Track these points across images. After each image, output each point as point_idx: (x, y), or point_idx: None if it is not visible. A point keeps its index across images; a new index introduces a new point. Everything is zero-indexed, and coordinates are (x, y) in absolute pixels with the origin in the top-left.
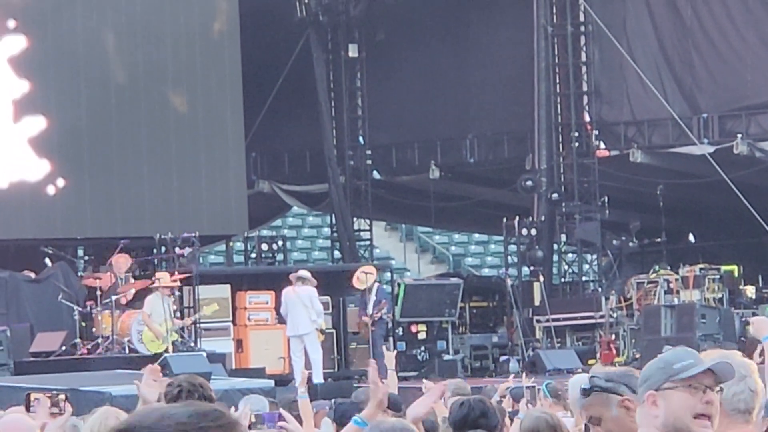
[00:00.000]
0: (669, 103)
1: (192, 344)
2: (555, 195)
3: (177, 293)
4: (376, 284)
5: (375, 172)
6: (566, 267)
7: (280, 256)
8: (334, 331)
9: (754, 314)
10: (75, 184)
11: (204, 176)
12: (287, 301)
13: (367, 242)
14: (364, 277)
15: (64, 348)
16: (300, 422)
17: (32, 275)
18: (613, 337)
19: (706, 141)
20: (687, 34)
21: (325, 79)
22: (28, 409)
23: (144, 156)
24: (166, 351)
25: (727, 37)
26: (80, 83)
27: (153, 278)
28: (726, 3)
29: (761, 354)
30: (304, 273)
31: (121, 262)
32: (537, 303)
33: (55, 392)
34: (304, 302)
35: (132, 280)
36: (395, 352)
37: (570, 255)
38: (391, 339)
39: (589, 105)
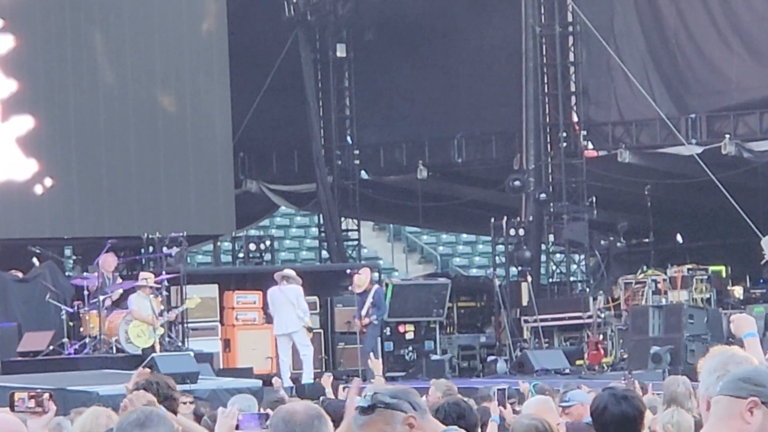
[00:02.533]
0: (657, 104)
1: (179, 344)
2: (543, 195)
3: (164, 293)
4: (375, 286)
5: (363, 172)
6: (554, 267)
7: (267, 256)
8: (321, 331)
9: None
10: (63, 184)
11: (192, 176)
12: (274, 300)
13: (355, 242)
14: (359, 279)
15: (51, 348)
16: None
17: (20, 275)
18: (601, 337)
19: (693, 141)
20: (672, 35)
21: (313, 79)
22: (12, 408)
23: (132, 156)
24: (153, 348)
25: (711, 38)
26: (68, 83)
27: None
28: (708, 3)
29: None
30: (289, 272)
31: (109, 261)
32: (525, 303)
33: (39, 390)
34: (291, 300)
35: (120, 280)
36: (381, 360)
37: (558, 255)
38: (378, 340)
39: (577, 105)
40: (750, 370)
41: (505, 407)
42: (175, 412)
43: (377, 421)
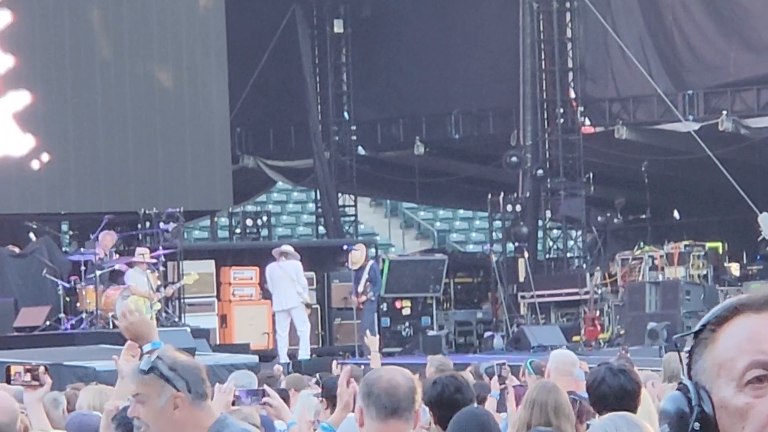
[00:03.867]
0: (654, 80)
1: (176, 320)
2: (540, 171)
3: (161, 268)
4: (371, 262)
5: (360, 148)
6: (551, 243)
7: (264, 232)
8: (318, 306)
9: (738, 291)
10: (60, 159)
11: (189, 151)
12: (272, 276)
13: (352, 218)
14: (354, 256)
15: (48, 323)
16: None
17: (16, 250)
18: (598, 313)
19: (691, 118)
20: (670, 11)
21: (310, 55)
22: (8, 381)
23: (129, 131)
24: None
25: (709, 14)
26: (65, 58)
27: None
28: None
29: None
30: (287, 247)
31: (107, 240)
32: (522, 279)
33: (35, 364)
34: (291, 276)
35: (116, 256)
36: (378, 337)
37: (555, 231)
38: (375, 315)
39: (574, 81)
40: None
41: (504, 382)
42: None
43: (150, 385)
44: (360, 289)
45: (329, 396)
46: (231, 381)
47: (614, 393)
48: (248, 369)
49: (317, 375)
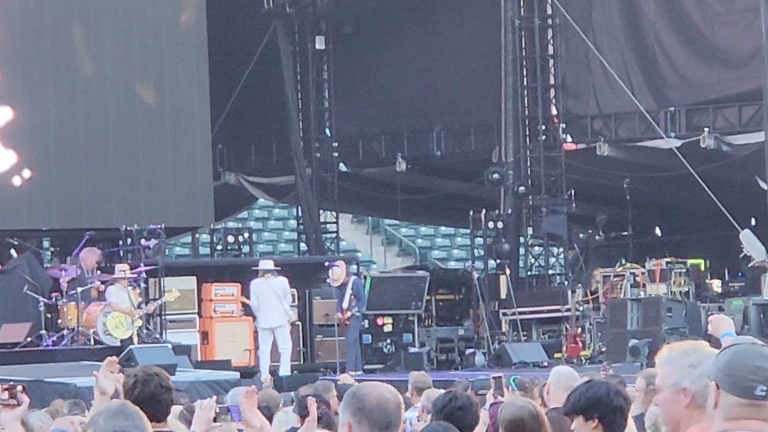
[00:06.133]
0: (636, 97)
1: (157, 336)
2: (522, 188)
3: (143, 285)
4: (353, 278)
5: (341, 165)
6: (533, 260)
7: (246, 248)
8: (300, 323)
9: (720, 308)
10: (41, 175)
11: (170, 168)
12: (258, 292)
13: (334, 235)
14: (334, 273)
15: (29, 339)
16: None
17: None
18: (579, 330)
19: (672, 135)
20: (651, 28)
21: (291, 71)
22: None
23: (110, 147)
24: (131, 339)
25: (690, 31)
26: (47, 74)
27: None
28: None
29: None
30: (269, 264)
31: (90, 258)
32: (503, 296)
33: (12, 383)
34: (278, 293)
35: (98, 273)
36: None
37: (536, 248)
38: (359, 331)
39: (556, 98)
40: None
41: (502, 395)
42: (172, 402)
43: None
44: (345, 305)
45: (303, 414)
46: (212, 398)
47: (615, 409)
48: (231, 385)
49: (297, 390)
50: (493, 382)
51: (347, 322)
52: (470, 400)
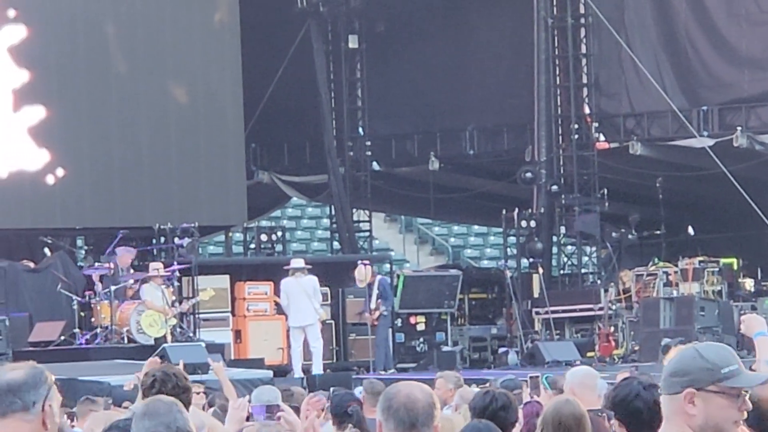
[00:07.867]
0: (668, 96)
1: (191, 334)
2: (554, 187)
3: (176, 284)
4: (378, 277)
5: (374, 163)
6: (565, 259)
7: (279, 247)
8: (333, 322)
9: (752, 307)
10: (74, 174)
11: (203, 166)
12: (289, 291)
13: (367, 233)
14: (359, 274)
15: (62, 338)
16: (298, 414)
17: (31, 265)
18: (612, 329)
19: (705, 134)
20: (683, 27)
21: (324, 70)
22: None
23: (143, 146)
24: (165, 338)
25: (722, 30)
26: (80, 73)
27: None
28: None
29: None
30: (299, 262)
31: (126, 257)
32: (536, 295)
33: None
34: (308, 292)
35: (132, 271)
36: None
37: (569, 247)
38: (390, 330)
39: (588, 97)
40: (673, 362)
41: (538, 395)
42: (189, 403)
43: None
44: (372, 305)
45: (337, 412)
46: (259, 395)
47: (648, 408)
48: (263, 383)
49: (330, 389)
50: (529, 381)
51: (376, 322)
52: (509, 398)
